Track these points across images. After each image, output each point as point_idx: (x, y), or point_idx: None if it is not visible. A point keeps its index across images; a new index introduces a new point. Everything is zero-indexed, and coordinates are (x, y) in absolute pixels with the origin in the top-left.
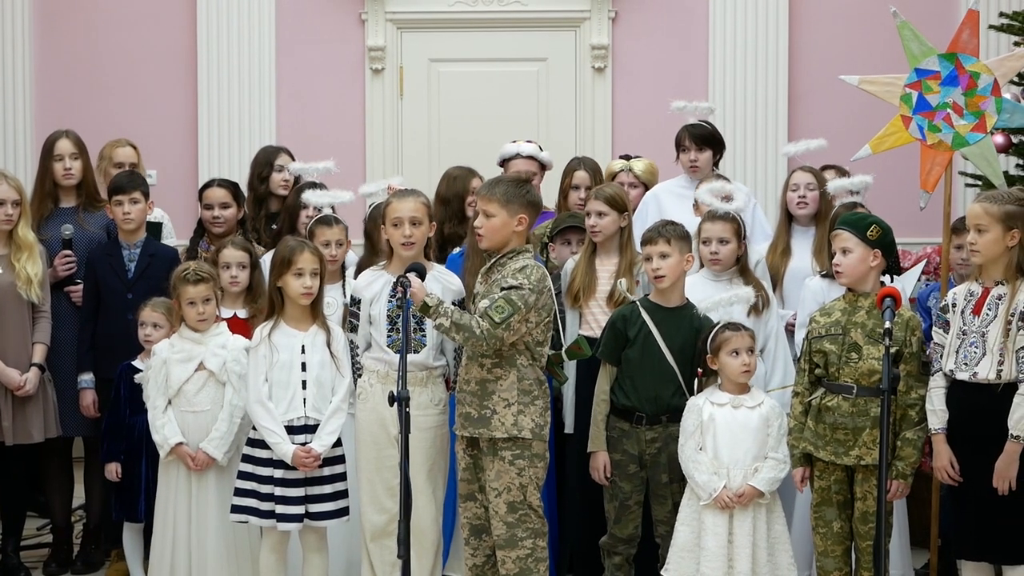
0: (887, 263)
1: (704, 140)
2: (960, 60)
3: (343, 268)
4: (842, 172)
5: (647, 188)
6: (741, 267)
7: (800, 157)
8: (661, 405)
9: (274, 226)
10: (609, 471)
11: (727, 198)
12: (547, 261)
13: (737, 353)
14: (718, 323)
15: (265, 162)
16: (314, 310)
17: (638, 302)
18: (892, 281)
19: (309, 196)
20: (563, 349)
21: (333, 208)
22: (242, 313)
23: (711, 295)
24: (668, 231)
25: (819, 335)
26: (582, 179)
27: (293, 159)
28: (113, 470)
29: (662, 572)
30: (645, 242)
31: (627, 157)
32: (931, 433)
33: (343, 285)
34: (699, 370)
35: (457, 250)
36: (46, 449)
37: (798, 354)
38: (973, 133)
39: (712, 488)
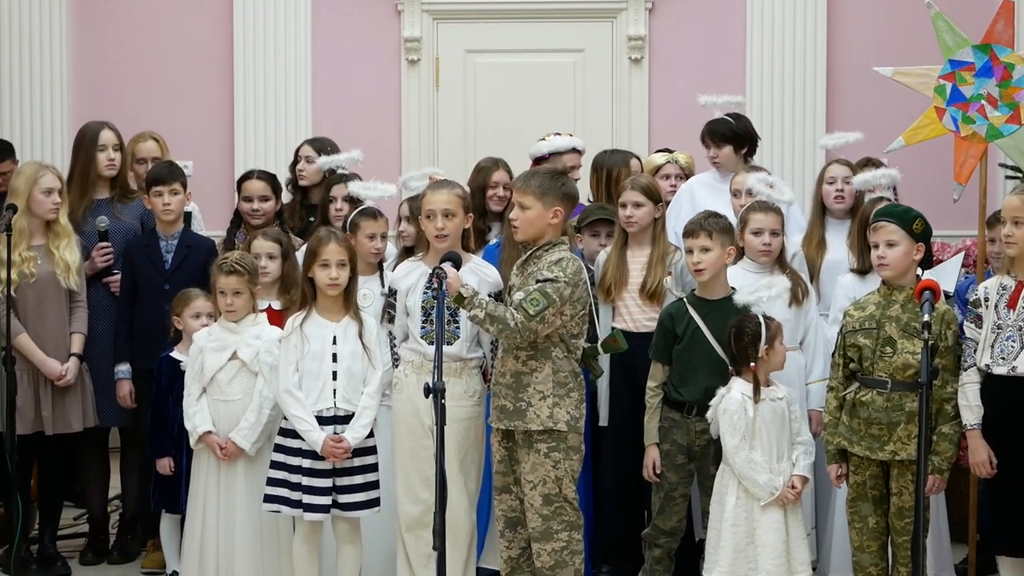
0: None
1: (722, 136)
2: (995, 51)
3: (380, 260)
4: (878, 165)
5: (687, 178)
6: (780, 259)
7: (837, 150)
8: (711, 397)
9: (311, 219)
10: (659, 467)
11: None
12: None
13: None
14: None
15: (295, 153)
16: (347, 301)
17: (684, 298)
18: (922, 274)
19: (356, 188)
20: (599, 342)
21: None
22: (276, 304)
23: (750, 285)
24: (710, 224)
25: (853, 329)
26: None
27: (322, 151)
28: (166, 465)
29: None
30: (687, 235)
31: (666, 151)
32: (966, 429)
33: (380, 277)
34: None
35: (494, 241)
36: (83, 439)
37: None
38: (1008, 124)
39: (774, 487)
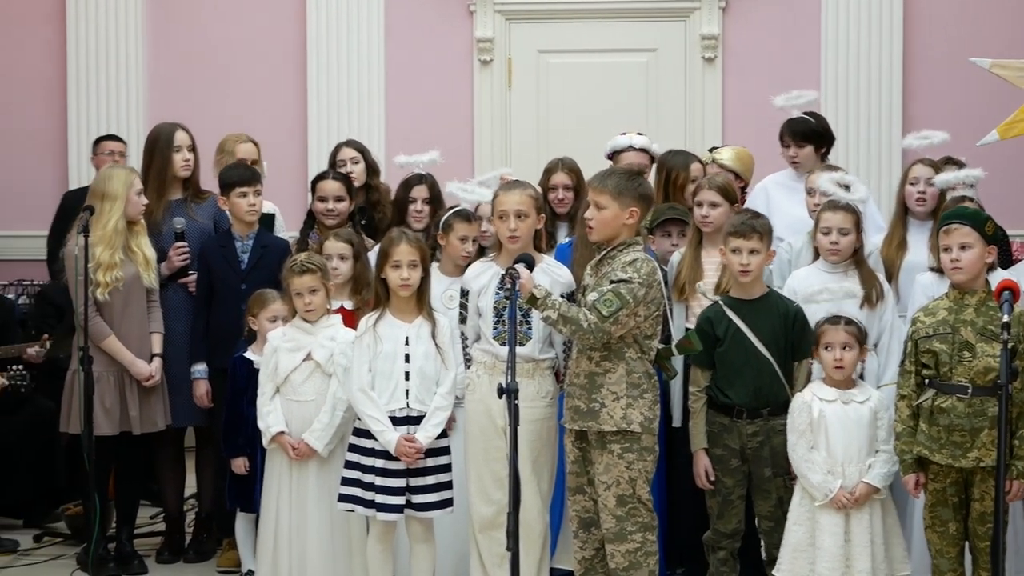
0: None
1: (804, 136)
2: None
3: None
4: (960, 165)
5: (737, 176)
6: (857, 259)
7: (919, 150)
8: (761, 398)
9: (362, 222)
10: (711, 473)
11: (846, 188)
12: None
13: (829, 348)
14: (825, 315)
15: (333, 158)
16: (419, 301)
17: (720, 300)
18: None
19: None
20: (673, 343)
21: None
22: (348, 304)
23: (826, 285)
24: (761, 226)
25: (926, 335)
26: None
27: (363, 152)
28: (241, 465)
29: (774, 572)
30: (735, 235)
31: (714, 148)
32: None
33: None
34: (808, 360)
35: (565, 240)
36: (160, 439)
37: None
38: None
39: (828, 488)
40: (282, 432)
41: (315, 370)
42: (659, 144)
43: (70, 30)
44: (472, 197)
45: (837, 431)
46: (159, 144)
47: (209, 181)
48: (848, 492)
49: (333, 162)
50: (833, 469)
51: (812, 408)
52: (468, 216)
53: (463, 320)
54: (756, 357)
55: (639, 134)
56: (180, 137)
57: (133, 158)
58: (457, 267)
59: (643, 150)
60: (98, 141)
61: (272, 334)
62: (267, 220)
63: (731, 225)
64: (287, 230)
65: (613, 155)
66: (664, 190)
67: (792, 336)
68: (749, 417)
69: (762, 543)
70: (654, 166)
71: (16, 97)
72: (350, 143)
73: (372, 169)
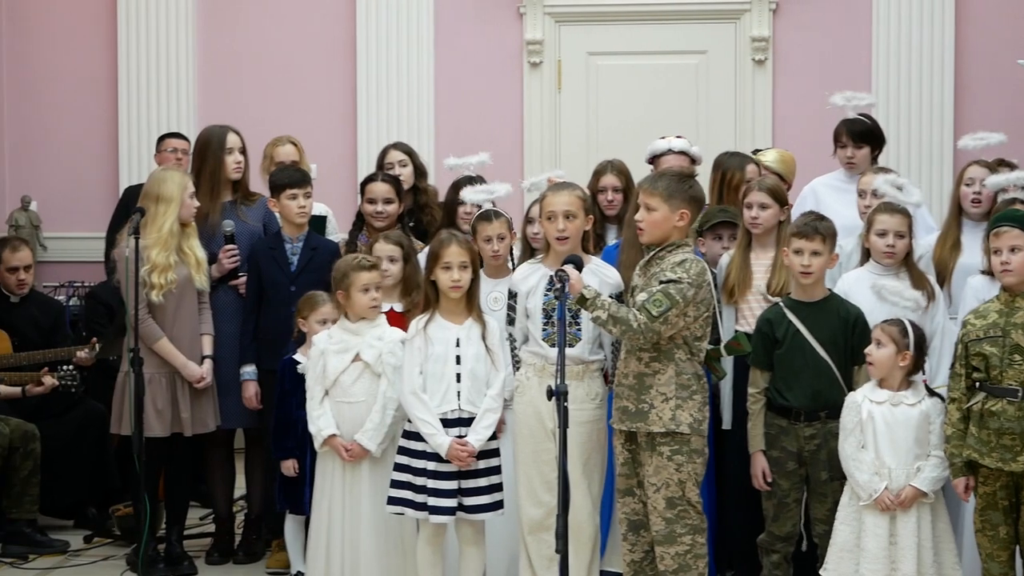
0: None
1: (862, 136)
2: None
3: (511, 261)
4: (1012, 167)
5: (781, 179)
6: (908, 262)
7: (975, 151)
8: (819, 401)
9: (410, 223)
10: (768, 474)
11: (898, 190)
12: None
13: (881, 344)
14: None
15: (380, 160)
16: (469, 303)
17: (780, 302)
18: None
19: (467, 193)
20: (722, 344)
21: (494, 203)
22: (397, 307)
23: (879, 287)
24: (824, 228)
25: (976, 338)
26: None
27: (411, 154)
28: (290, 466)
29: (820, 572)
30: (798, 235)
31: (757, 151)
32: None
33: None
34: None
35: (613, 242)
36: (210, 440)
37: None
38: None
39: (873, 489)
40: (334, 435)
41: (364, 371)
42: (699, 147)
43: (120, 31)
44: (477, 197)
45: (884, 433)
46: (211, 147)
47: (256, 183)
48: (894, 494)
49: (381, 164)
50: (880, 470)
51: (862, 408)
52: (489, 216)
53: (511, 322)
54: (815, 360)
55: (678, 137)
56: (232, 139)
57: None
58: (497, 269)
59: (682, 153)
60: (162, 139)
61: (317, 338)
62: (318, 222)
63: (794, 226)
64: (340, 232)
65: (653, 159)
66: (719, 191)
67: (853, 340)
68: (807, 420)
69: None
70: (708, 167)
71: (67, 98)
72: (398, 145)
73: (420, 171)
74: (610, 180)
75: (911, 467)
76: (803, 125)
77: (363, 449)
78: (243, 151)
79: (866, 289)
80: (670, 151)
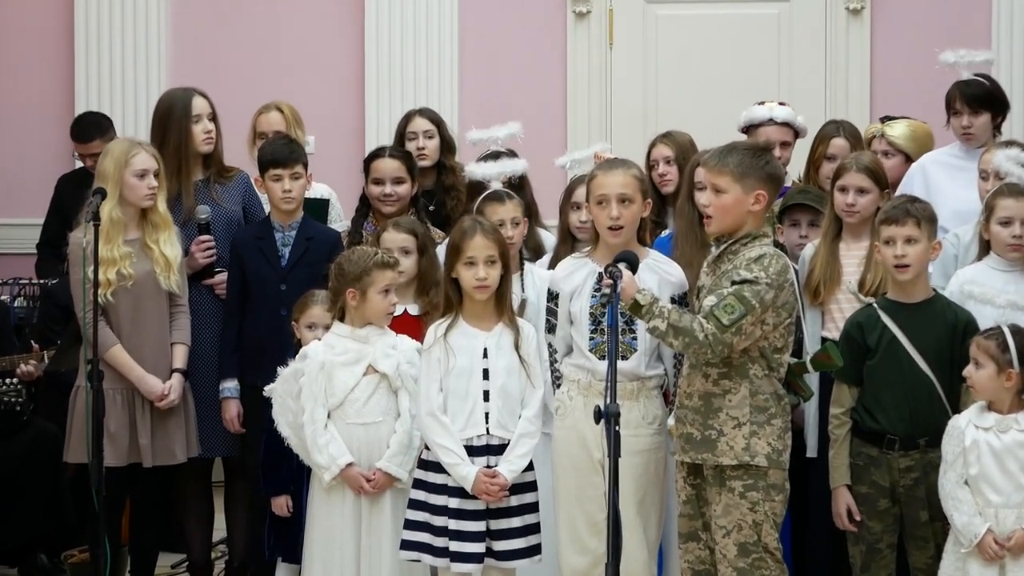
0: None
1: (980, 101)
2: None
3: (521, 254)
4: None
5: (908, 159)
6: None
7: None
8: (918, 425)
9: (430, 207)
10: (856, 513)
11: None
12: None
13: (979, 364)
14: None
15: (401, 130)
16: (499, 305)
17: (875, 303)
18: None
19: (473, 168)
20: (808, 358)
21: (511, 179)
22: (412, 309)
23: (1003, 290)
24: (917, 210)
25: None
26: (840, 148)
27: (440, 124)
28: (283, 505)
29: None
30: (887, 221)
31: (886, 119)
32: None
33: (522, 275)
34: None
35: (666, 232)
36: (184, 472)
37: None
38: None
39: (974, 533)
40: (351, 463)
41: (380, 383)
42: (787, 110)
43: None
44: (489, 172)
45: (990, 464)
46: (174, 115)
47: (244, 164)
48: (1003, 538)
49: (402, 135)
50: (983, 510)
51: (965, 435)
52: (500, 197)
53: (551, 329)
54: (914, 374)
55: (781, 104)
56: (198, 104)
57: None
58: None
59: (786, 124)
60: None
61: (311, 349)
62: (317, 207)
63: (883, 212)
64: (346, 220)
65: (748, 128)
66: (807, 168)
67: (961, 351)
68: (902, 448)
69: None
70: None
71: (11, 58)
72: (424, 112)
73: (448, 146)
74: (661, 151)
75: (1023, 507)
76: (906, 89)
77: (389, 478)
78: (213, 118)
79: (987, 288)
80: (771, 121)
